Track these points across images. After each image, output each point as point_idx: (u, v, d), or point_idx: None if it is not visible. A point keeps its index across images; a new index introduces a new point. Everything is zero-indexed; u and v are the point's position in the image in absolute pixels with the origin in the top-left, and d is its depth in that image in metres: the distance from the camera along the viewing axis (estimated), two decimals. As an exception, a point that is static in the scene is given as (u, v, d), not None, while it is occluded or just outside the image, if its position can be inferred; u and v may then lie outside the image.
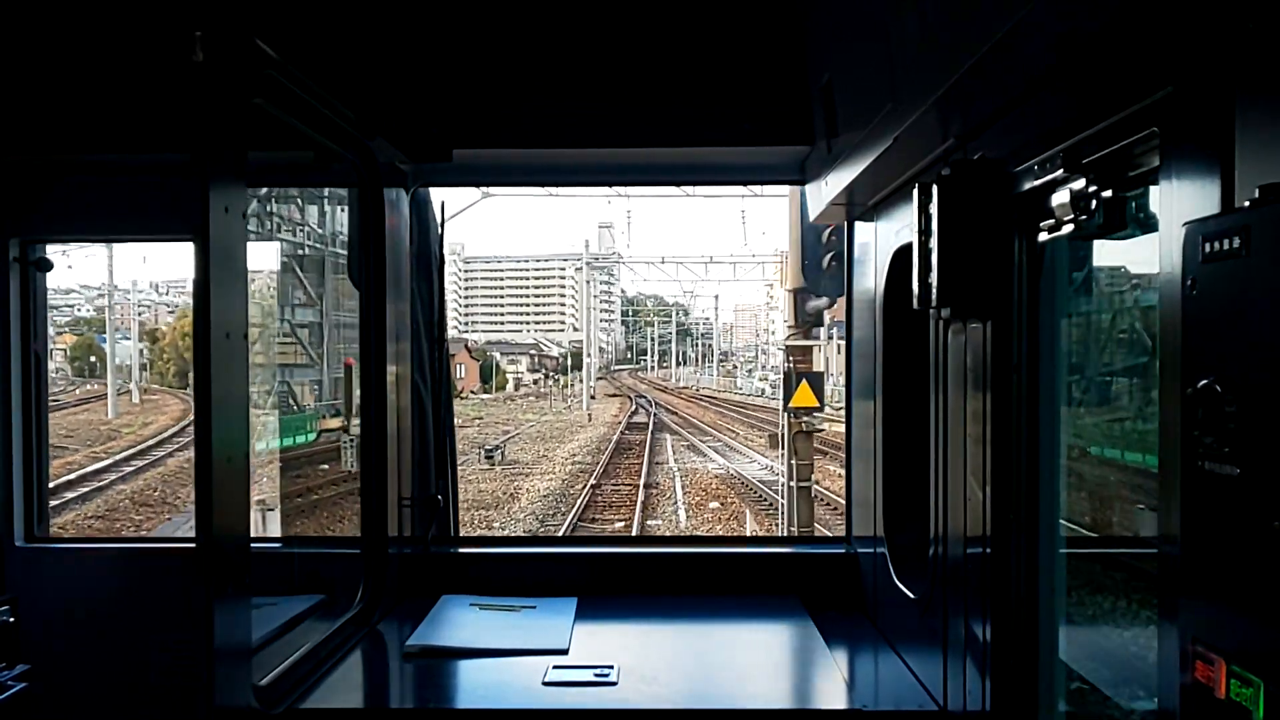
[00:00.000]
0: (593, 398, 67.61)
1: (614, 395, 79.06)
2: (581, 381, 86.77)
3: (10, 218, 3.92)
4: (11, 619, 3.22)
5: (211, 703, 2.18)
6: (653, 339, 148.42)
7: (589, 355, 65.39)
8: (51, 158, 3.93)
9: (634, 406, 59.80)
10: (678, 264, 69.74)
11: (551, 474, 27.28)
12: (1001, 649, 2.27)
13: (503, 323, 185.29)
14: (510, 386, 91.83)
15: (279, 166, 3.83)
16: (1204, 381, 1.37)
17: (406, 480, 3.78)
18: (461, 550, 4.01)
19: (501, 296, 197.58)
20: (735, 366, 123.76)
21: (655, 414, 49.50)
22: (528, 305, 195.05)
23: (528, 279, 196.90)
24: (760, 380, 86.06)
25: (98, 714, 3.85)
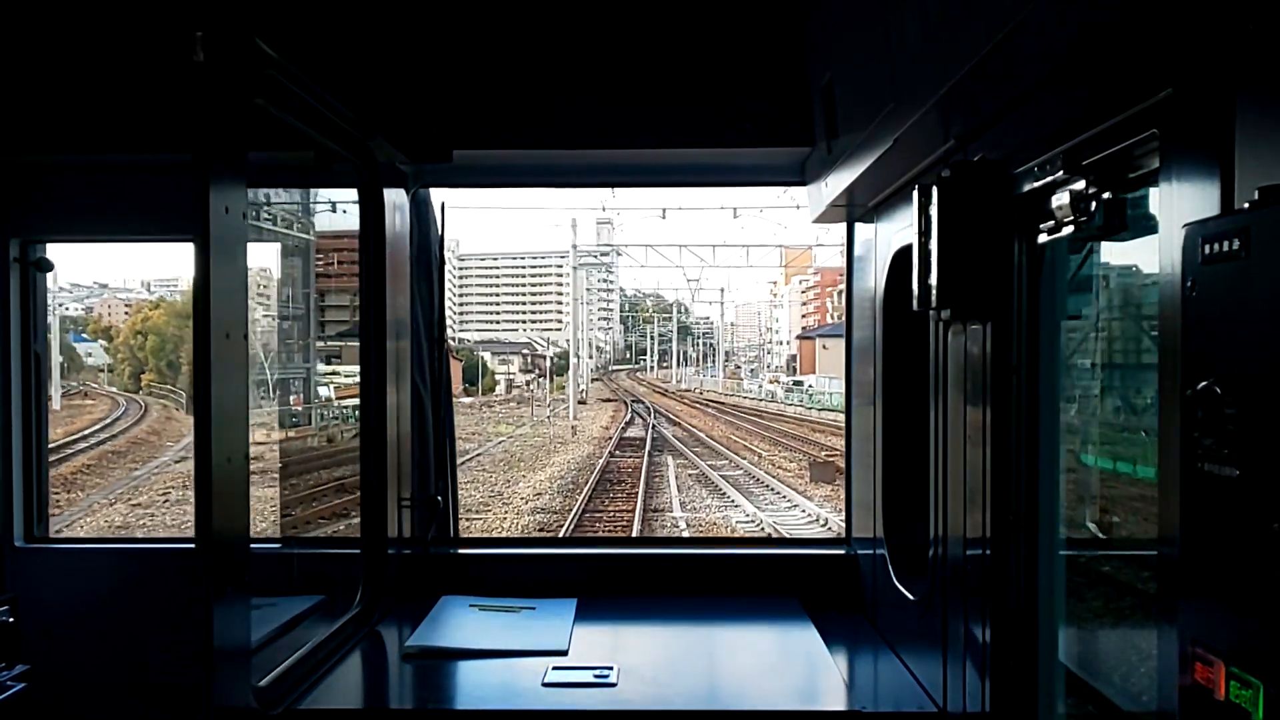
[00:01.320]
0: (583, 403, 60.20)
1: (608, 400, 69.45)
2: (574, 384, 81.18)
3: (11, 218, 3.92)
4: (11, 619, 3.22)
5: (211, 703, 2.18)
6: (652, 337, 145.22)
7: (578, 355, 58.33)
8: (52, 158, 3.93)
9: (629, 415, 50.49)
10: (681, 247, 64.48)
11: (499, 530, 18.73)
12: (1001, 650, 2.27)
13: (498, 322, 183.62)
14: (502, 388, 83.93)
15: (279, 166, 3.83)
16: (1204, 383, 1.36)
17: (406, 481, 3.78)
18: (461, 551, 4.01)
19: (498, 294, 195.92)
20: (738, 367, 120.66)
21: (654, 425, 41.33)
22: (524, 303, 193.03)
23: (524, 275, 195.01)
24: (770, 383, 78.73)
25: (97, 714, 3.85)
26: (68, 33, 3.16)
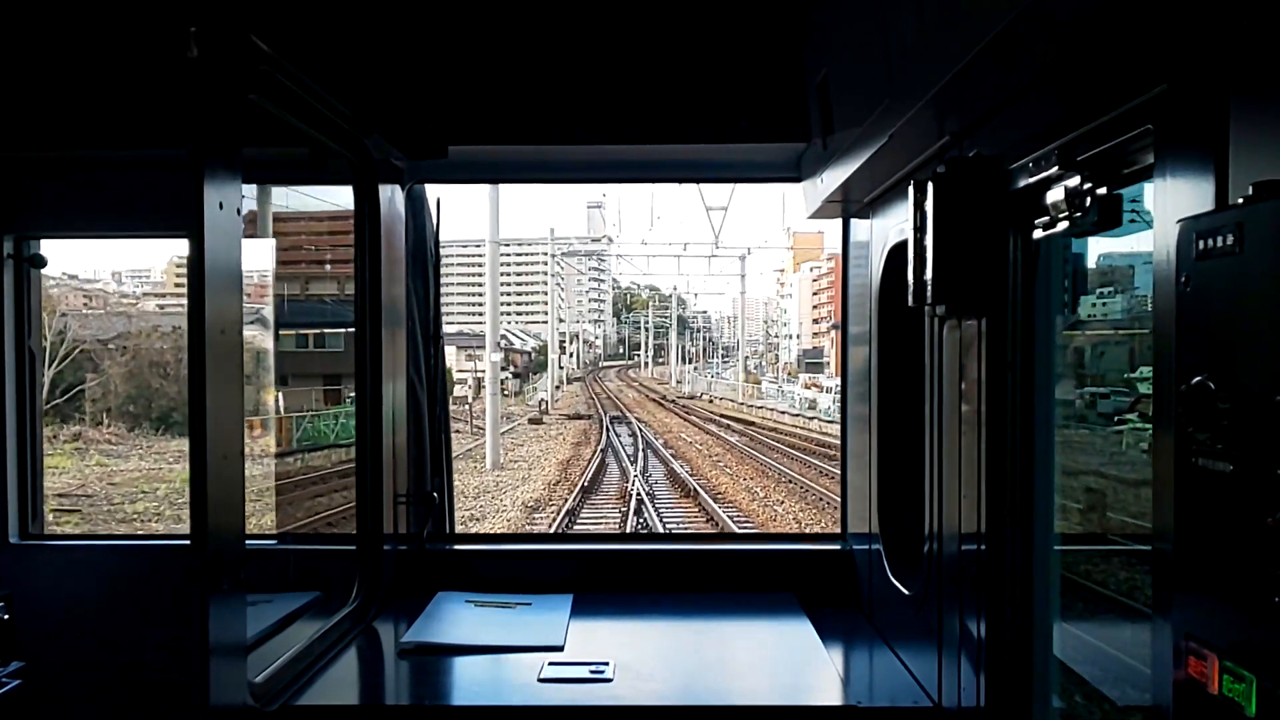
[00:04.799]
0: (540, 421, 42.38)
1: (577, 417, 45.57)
2: (551, 382, 60.45)
3: (4, 214, 3.91)
4: (6, 616, 3.23)
5: (206, 700, 2.18)
6: (646, 328, 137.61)
7: (496, 360, 29.18)
8: (46, 153, 3.92)
9: (599, 453, 28.22)
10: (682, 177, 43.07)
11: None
12: (996, 645, 2.28)
13: (481, 314, 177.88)
14: (470, 390, 61.06)
15: (274, 163, 3.82)
16: (1198, 378, 1.37)
17: (402, 477, 3.78)
18: (457, 547, 4.01)
19: (480, 284, 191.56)
20: (740, 361, 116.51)
21: (641, 492, 20.22)
22: (510, 293, 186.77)
23: (510, 265, 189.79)
24: (806, 388, 56.27)
25: (92, 711, 3.85)
26: (62, 28, 3.15)
